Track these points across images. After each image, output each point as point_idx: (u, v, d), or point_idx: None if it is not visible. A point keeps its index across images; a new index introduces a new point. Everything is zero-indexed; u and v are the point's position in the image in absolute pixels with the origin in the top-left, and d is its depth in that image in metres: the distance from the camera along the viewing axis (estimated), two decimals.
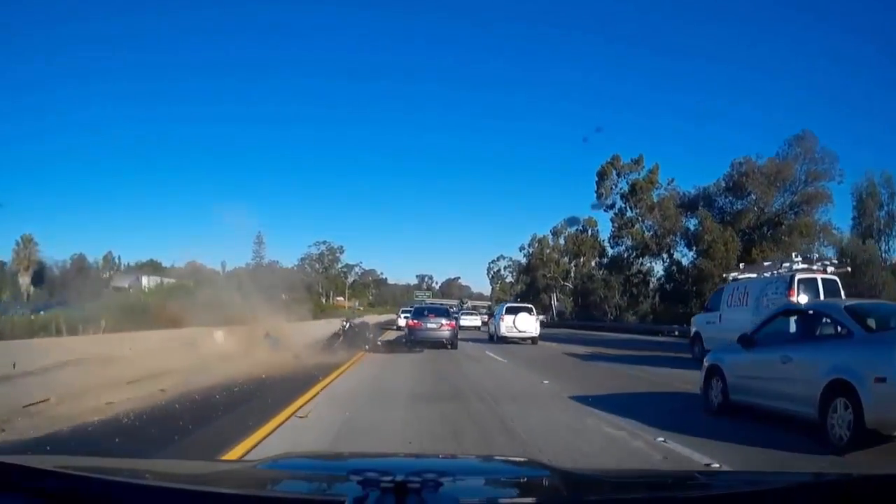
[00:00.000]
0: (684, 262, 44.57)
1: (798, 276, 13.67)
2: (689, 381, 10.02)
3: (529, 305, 27.47)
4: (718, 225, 40.26)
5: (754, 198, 40.48)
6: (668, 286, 45.41)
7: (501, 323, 24.54)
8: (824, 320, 6.81)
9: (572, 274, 63.53)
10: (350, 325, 21.49)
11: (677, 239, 45.71)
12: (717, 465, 5.14)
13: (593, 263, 59.38)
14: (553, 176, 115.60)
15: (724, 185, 42.62)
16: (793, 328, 7.42)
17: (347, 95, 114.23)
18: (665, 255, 47.02)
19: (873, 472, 4.10)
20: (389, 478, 1.30)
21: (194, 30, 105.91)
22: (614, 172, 49.81)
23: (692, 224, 43.96)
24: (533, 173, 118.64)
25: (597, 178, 50.51)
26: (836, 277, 14.18)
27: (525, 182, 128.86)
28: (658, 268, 48.72)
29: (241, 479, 1.92)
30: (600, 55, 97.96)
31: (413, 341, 19.09)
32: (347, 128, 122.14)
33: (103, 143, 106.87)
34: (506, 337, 23.96)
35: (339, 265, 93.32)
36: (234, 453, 5.29)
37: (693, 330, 17.40)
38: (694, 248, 42.92)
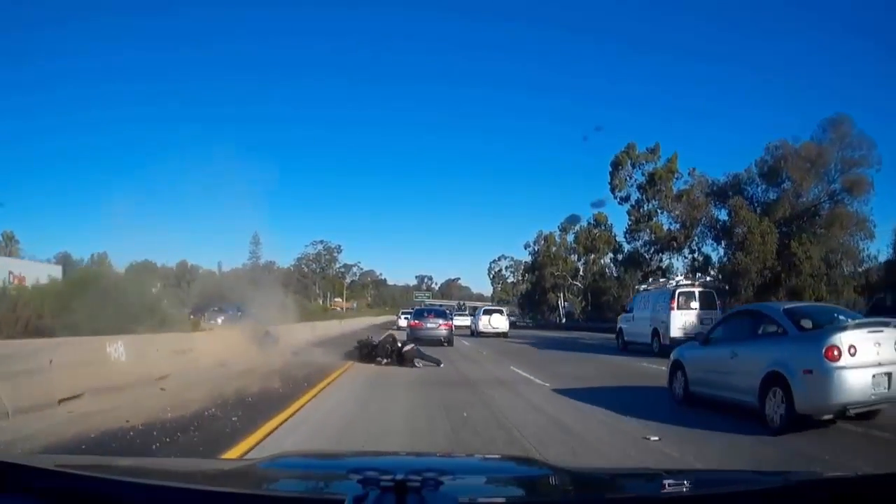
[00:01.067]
0: (714, 257, 43.16)
1: (678, 290, 19.17)
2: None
3: (501, 308, 37.39)
4: (754, 215, 38.18)
5: (790, 186, 38.72)
6: None
7: (480, 322, 32.81)
8: (766, 320, 7.89)
9: (582, 272, 63.15)
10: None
11: (705, 230, 43.65)
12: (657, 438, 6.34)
13: (606, 260, 58.86)
14: (554, 176, 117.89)
15: (756, 171, 40.60)
16: (742, 327, 8.55)
17: (346, 95, 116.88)
18: (687, 251, 45.44)
19: (866, 471, 4.19)
20: (389, 476, 1.35)
21: (194, 30, 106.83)
22: (629, 163, 48.94)
23: (722, 215, 41.78)
24: (533, 173, 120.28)
25: (610, 169, 49.68)
26: (712, 290, 19.67)
27: (525, 182, 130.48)
28: (678, 264, 46.90)
29: (242, 477, 2.01)
30: (600, 55, 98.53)
31: (414, 339, 20.16)
32: (346, 127, 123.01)
33: (101, 143, 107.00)
34: (482, 332, 31.67)
35: (337, 265, 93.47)
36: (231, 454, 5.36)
37: (618, 326, 23.69)
38: (723, 242, 41.19)
